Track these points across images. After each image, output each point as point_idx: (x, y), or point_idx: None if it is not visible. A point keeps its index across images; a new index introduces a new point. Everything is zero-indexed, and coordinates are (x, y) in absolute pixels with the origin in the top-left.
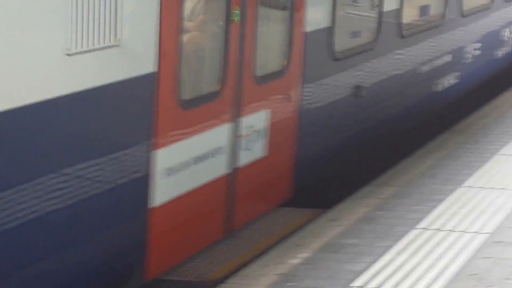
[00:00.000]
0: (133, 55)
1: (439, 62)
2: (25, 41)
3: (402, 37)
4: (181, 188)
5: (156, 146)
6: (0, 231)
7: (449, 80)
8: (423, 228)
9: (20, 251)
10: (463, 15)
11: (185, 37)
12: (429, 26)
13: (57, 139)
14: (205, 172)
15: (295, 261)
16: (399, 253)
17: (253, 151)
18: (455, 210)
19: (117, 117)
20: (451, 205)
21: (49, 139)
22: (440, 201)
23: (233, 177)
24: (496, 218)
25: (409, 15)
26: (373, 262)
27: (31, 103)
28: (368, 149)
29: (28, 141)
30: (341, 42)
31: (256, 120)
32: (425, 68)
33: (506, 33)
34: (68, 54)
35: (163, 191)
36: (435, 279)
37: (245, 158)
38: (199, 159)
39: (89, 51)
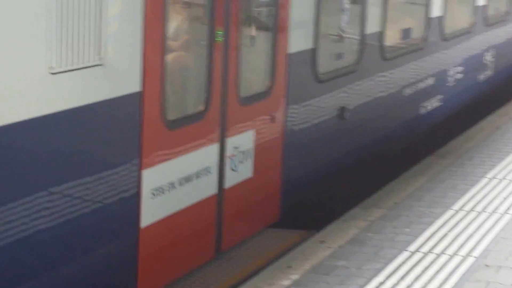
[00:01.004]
0: (117, 74)
1: (422, 84)
2: (10, 59)
3: (385, 59)
4: (170, 208)
5: (143, 166)
6: None
7: (432, 103)
8: (412, 251)
9: (9, 270)
10: (444, 39)
11: (170, 57)
12: (411, 49)
13: (40, 157)
14: (193, 193)
15: (286, 282)
16: (389, 276)
17: (239, 172)
18: (444, 233)
19: (101, 136)
20: (440, 228)
21: (34, 157)
22: (428, 223)
23: (220, 198)
24: (484, 242)
25: (392, 38)
26: (364, 285)
27: (16, 122)
28: (354, 170)
29: (14, 160)
30: (325, 64)
31: (242, 141)
32: (408, 90)
33: (488, 57)
34: (52, 73)
35: (152, 211)
36: None
37: (231, 179)
38: (186, 179)
39: (73, 70)
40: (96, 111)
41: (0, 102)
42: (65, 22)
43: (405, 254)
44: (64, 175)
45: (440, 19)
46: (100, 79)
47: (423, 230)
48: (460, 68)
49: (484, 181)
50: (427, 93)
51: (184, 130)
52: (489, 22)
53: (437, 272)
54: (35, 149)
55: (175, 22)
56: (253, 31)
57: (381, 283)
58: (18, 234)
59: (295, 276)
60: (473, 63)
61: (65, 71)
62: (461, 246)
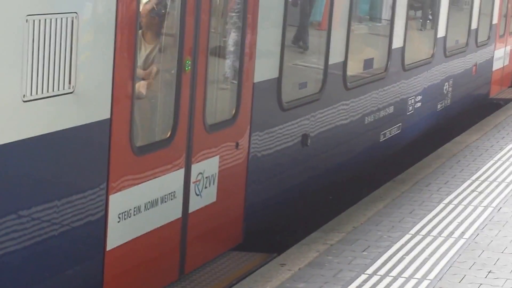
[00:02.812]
0: (87, 101)
1: (382, 113)
2: None
3: (347, 88)
4: (135, 232)
5: (110, 190)
6: None
7: (392, 131)
8: (370, 274)
9: None
10: (404, 69)
11: (138, 85)
12: (372, 79)
13: (13, 182)
14: (158, 217)
15: None
16: None
17: (204, 197)
18: (401, 256)
19: (71, 161)
20: (397, 252)
21: (5, 181)
22: (386, 247)
23: (185, 221)
24: (440, 265)
25: (354, 68)
26: None
27: None
28: (315, 195)
29: None
30: (289, 93)
31: (206, 167)
32: (369, 118)
33: (446, 86)
34: (24, 101)
35: (118, 234)
36: None
37: (195, 203)
38: (152, 204)
39: (44, 97)
40: (66, 137)
41: None
42: (37, 51)
43: (363, 277)
44: (34, 198)
45: (401, 49)
46: (70, 107)
47: (381, 253)
48: (419, 97)
49: (440, 206)
50: (388, 121)
51: (151, 156)
52: (447, 53)
53: None
54: (6, 172)
55: (145, 51)
56: (220, 60)
57: None
58: None
59: None
60: (432, 93)
61: (37, 99)
62: (417, 269)
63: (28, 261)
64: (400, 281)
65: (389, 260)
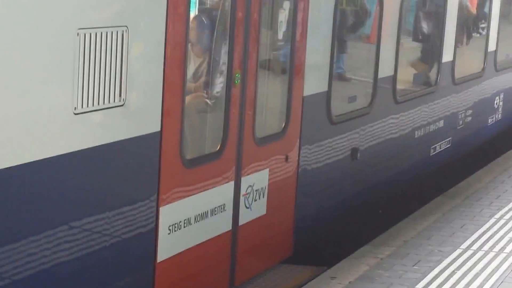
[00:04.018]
0: (137, 114)
1: (432, 127)
2: (38, 100)
3: (397, 102)
4: (185, 244)
5: (161, 203)
6: (10, 282)
7: (442, 145)
8: None
9: None
10: (455, 83)
11: (189, 98)
12: (422, 93)
13: (65, 193)
14: (208, 229)
15: None
16: None
17: (253, 210)
18: (452, 271)
19: (122, 173)
20: (448, 266)
21: (58, 193)
22: (436, 262)
23: (235, 234)
24: (491, 280)
25: (403, 82)
26: None
27: (43, 159)
28: (365, 209)
29: (39, 195)
30: (338, 106)
31: (256, 180)
32: (419, 132)
33: (496, 100)
34: (75, 113)
35: (168, 246)
36: None
37: (245, 216)
38: (202, 216)
39: (95, 110)
40: (117, 149)
41: (28, 139)
42: (88, 64)
43: None
44: (85, 209)
45: (451, 63)
46: (120, 119)
47: (432, 268)
48: (469, 111)
49: (491, 221)
50: (438, 135)
51: (201, 169)
52: (498, 67)
53: None
54: (58, 184)
55: (194, 64)
56: (269, 74)
57: None
58: (39, 266)
59: None
60: (483, 107)
61: (88, 112)
62: (468, 284)
63: (79, 272)
64: None
65: (440, 274)
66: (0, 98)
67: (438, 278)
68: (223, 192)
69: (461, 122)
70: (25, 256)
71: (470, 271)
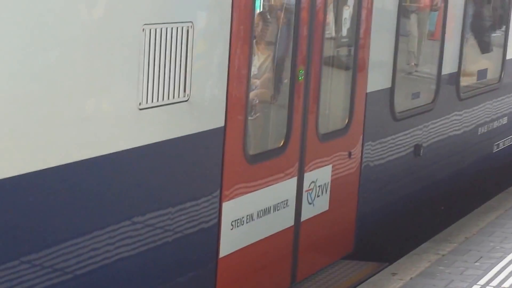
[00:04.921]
0: (202, 110)
1: (495, 124)
2: (103, 96)
3: (460, 99)
4: (248, 239)
5: (223, 198)
6: (73, 277)
7: (506, 142)
8: (482, 285)
9: None
10: None
11: (252, 94)
12: (486, 89)
13: (129, 188)
14: (271, 225)
15: None
16: None
17: (316, 206)
18: None
19: (185, 168)
20: (510, 263)
21: (123, 188)
22: (499, 258)
23: (297, 230)
24: None
25: (467, 78)
26: None
27: (108, 154)
28: (427, 205)
29: (104, 190)
30: (401, 103)
31: (319, 176)
32: (482, 129)
33: None
34: (140, 108)
35: (230, 241)
36: None
37: (308, 212)
38: (265, 212)
39: (159, 105)
40: (181, 144)
41: (93, 135)
42: (153, 60)
43: None
44: (148, 204)
45: None
46: (185, 115)
47: (494, 264)
48: None
49: None
50: (501, 132)
51: (264, 165)
52: None
53: None
54: (123, 179)
55: (259, 60)
56: (333, 70)
57: None
58: (102, 261)
59: None
60: None
61: (153, 107)
62: None
63: (142, 268)
64: None
65: (502, 271)
66: (67, 94)
67: (500, 275)
68: (286, 188)
69: None
70: (88, 251)
71: None
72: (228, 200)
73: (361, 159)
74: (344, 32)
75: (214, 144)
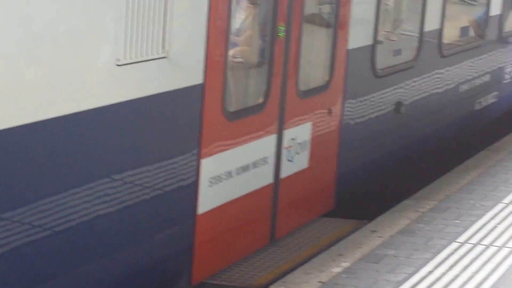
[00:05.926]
0: (180, 66)
1: (478, 81)
2: (82, 52)
3: (443, 56)
4: (226, 196)
5: (202, 155)
6: (53, 232)
7: (488, 99)
8: (461, 242)
9: (70, 253)
10: (502, 37)
11: (232, 51)
12: (468, 47)
13: (105, 145)
14: (250, 182)
15: (337, 269)
16: (438, 266)
17: (295, 163)
18: (494, 225)
19: (163, 126)
20: (490, 220)
21: (100, 144)
22: (478, 216)
23: (276, 187)
24: None
25: (449, 36)
26: (412, 273)
27: (84, 110)
28: (407, 164)
29: (81, 146)
30: (382, 60)
31: (299, 133)
32: (464, 87)
33: None
34: (118, 65)
35: (209, 198)
36: None
37: (287, 169)
38: (244, 169)
39: (137, 61)
40: (160, 101)
41: (71, 90)
42: (131, 17)
43: (454, 245)
44: (126, 162)
45: (499, 17)
46: (163, 72)
47: (473, 222)
48: None
49: None
50: (483, 90)
51: (243, 122)
52: None
53: (485, 263)
54: (100, 136)
55: (239, 18)
56: (313, 27)
57: (430, 272)
58: (80, 218)
59: (345, 264)
60: None
61: (130, 63)
62: (510, 238)
63: (120, 225)
64: (492, 250)
65: (481, 228)
66: (42, 49)
67: (479, 232)
68: (265, 145)
69: (507, 77)
70: (66, 208)
71: None
72: (207, 157)
73: (342, 117)
74: None
75: (193, 101)
